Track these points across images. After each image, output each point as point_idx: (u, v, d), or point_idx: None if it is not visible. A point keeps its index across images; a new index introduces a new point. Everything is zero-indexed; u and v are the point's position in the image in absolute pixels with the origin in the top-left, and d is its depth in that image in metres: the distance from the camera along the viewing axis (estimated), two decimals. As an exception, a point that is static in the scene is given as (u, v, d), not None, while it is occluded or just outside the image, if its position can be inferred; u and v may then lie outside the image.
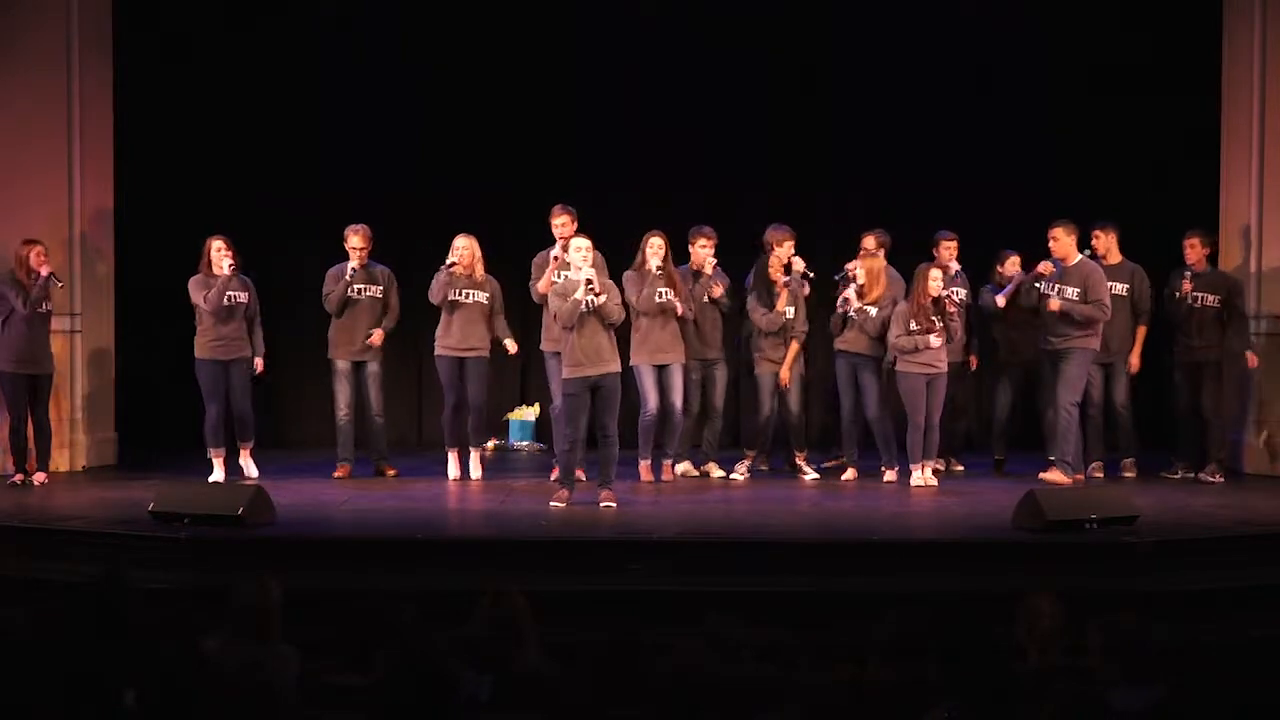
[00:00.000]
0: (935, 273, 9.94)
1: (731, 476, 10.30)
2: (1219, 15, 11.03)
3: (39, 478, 9.87)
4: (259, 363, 10.26)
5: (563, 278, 9.29)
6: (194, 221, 10.66)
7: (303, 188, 12.02)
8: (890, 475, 10.14)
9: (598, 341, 8.94)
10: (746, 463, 10.46)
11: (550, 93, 12.19)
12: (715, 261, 10.35)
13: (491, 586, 5.45)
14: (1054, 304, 9.94)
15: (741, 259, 10.58)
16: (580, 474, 9.62)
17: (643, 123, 12.12)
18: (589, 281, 8.86)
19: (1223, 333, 10.40)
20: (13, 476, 9.91)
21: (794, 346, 10.29)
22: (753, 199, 11.64)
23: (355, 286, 10.28)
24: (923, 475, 9.91)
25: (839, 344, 10.22)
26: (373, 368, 10.36)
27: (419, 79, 12.26)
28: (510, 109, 12.18)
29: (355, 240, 10.25)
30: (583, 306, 8.88)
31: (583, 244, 9.13)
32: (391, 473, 10.42)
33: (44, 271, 9.78)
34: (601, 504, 8.93)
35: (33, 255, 9.80)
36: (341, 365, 10.36)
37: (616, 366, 9.03)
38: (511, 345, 10.22)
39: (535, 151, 12.06)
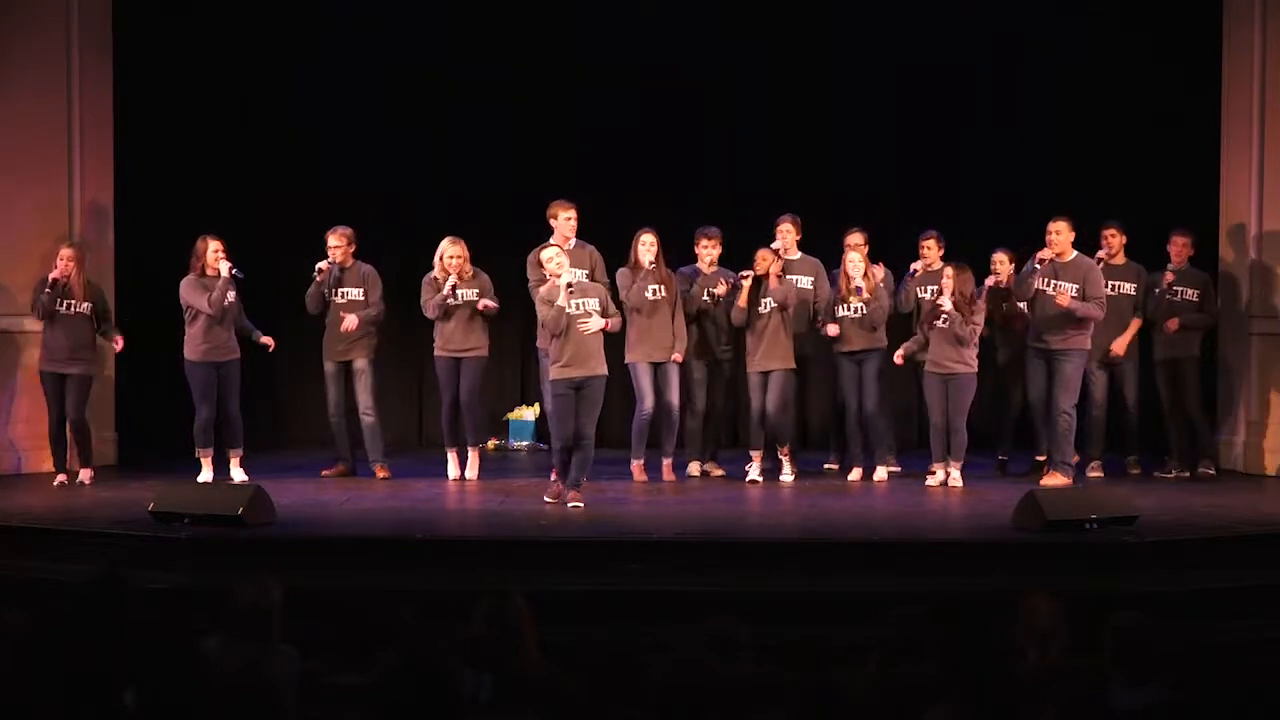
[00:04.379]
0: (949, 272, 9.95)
1: (748, 480, 10.17)
2: (1219, 15, 11.03)
3: (87, 475, 10.04)
4: (268, 340, 10.22)
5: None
6: (194, 222, 10.65)
7: (302, 187, 12.02)
8: (856, 473, 10.23)
9: (586, 344, 8.95)
10: (756, 464, 10.24)
11: (550, 93, 12.20)
12: (713, 258, 10.36)
13: (491, 586, 5.46)
14: (1064, 299, 9.79)
15: (743, 259, 10.58)
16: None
17: (643, 123, 12.11)
18: (569, 285, 8.91)
19: (1201, 330, 10.44)
20: (57, 476, 10.04)
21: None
22: (753, 199, 11.63)
23: (337, 290, 10.24)
24: (945, 475, 9.88)
25: (843, 345, 10.18)
26: (359, 365, 10.28)
27: (419, 79, 12.26)
28: (510, 109, 12.18)
29: (331, 240, 10.22)
30: (568, 307, 8.89)
31: (552, 253, 9.17)
32: (383, 474, 10.32)
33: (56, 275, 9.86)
34: (569, 504, 8.90)
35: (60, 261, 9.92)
36: (329, 368, 10.34)
37: (603, 370, 9.04)
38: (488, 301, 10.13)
39: (535, 152, 12.07)
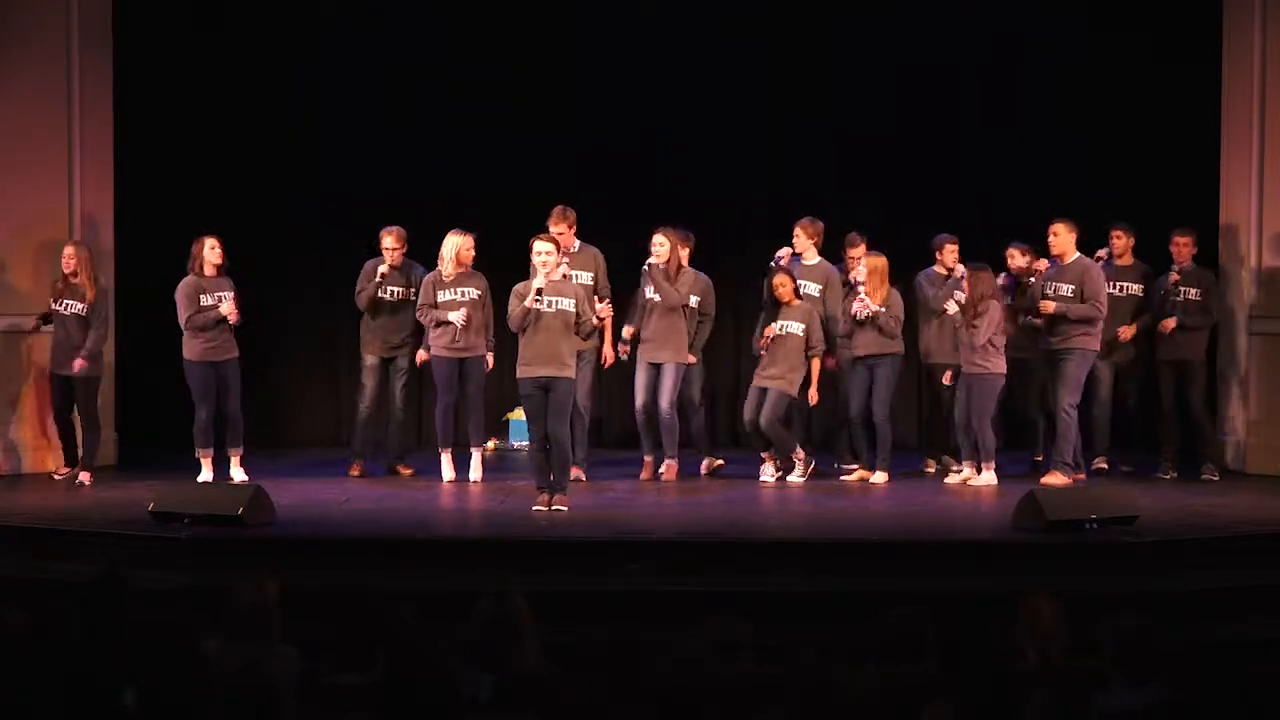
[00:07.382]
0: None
1: (761, 480, 10.16)
2: (1219, 15, 11.04)
3: (85, 477, 9.98)
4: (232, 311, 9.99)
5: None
6: (194, 222, 10.65)
7: (302, 188, 12.02)
8: (869, 475, 10.17)
9: (553, 343, 8.75)
10: (770, 464, 10.21)
11: (550, 93, 12.19)
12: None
13: (491, 586, 5.46)
14: (1048, 306, 9.87)
15: (743, 259, 10.58)
16: (580, 474, 9.62)
17: (642, 123, 12.11)
18: (539, 290, 8.72)
19: (1203, 329, 10.45)
20: (57, 471, 10.03)
21: (814, 364, 10.06)
22: (752, 199, 11.64)
23: (387, 288, 10.29)
24: (968, 472, 9.95)
25: (856, 350, 10.18)
26: (403, 364, 10.44)
27: (419, 79, 12.26)
28: (510, 109, 12.17)
29: (388, 241, 10.28)
30: (535, 305, 8.73)
31: (543, 248, 8.88)
32: (407, 472, 10.45)
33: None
34: (553, 507, 8.75)
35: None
36: (370, 361, 10.39)
37: (568, 372, 8.82)
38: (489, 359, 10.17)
39: (535, 152, 12.06)
